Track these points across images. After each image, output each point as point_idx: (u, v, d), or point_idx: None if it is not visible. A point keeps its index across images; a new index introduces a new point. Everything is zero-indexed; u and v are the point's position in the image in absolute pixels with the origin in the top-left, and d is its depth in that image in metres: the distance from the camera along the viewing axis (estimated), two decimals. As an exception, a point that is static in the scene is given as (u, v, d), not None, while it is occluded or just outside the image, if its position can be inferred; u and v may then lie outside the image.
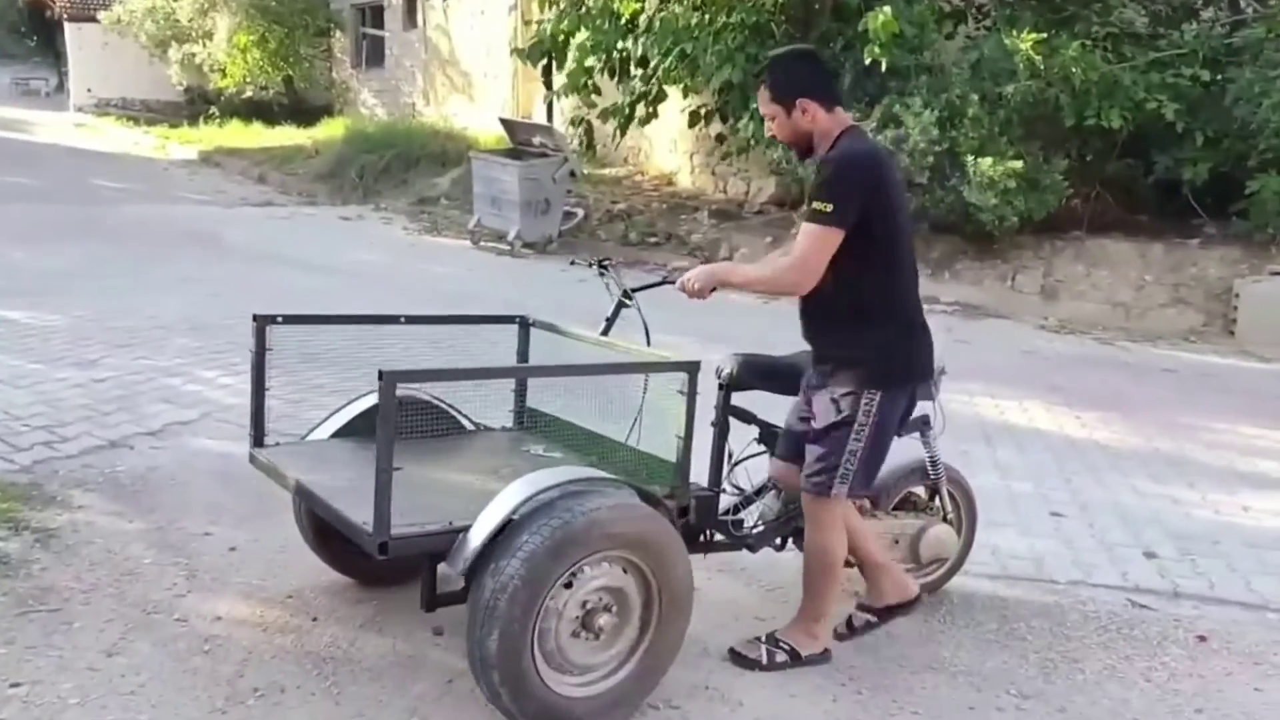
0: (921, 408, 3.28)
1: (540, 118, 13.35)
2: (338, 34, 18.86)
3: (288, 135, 16.08)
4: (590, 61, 9.95)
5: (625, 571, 2.58)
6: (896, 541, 3.29)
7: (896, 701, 2.86)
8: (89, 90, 20.18)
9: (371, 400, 2.96)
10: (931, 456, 3.37)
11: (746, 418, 3.25)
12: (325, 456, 2.97)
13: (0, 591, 3.02)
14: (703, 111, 10.43)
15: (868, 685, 2.93)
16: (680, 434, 2.73)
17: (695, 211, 10.85)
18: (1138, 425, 5.73)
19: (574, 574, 2.48)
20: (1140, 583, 3.77)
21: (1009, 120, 8.70)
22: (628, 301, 3.25)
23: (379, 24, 17.91)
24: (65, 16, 22.28)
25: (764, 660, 2.98)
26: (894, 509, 3.40)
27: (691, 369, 2.71)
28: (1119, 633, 3.38)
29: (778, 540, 3.25)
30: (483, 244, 10.32)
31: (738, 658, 3.00)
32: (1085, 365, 7.19)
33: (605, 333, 3.21)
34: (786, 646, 3.00)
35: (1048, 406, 5.97)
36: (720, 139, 10.63)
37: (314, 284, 7.98)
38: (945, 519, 3.39)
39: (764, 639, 3.03)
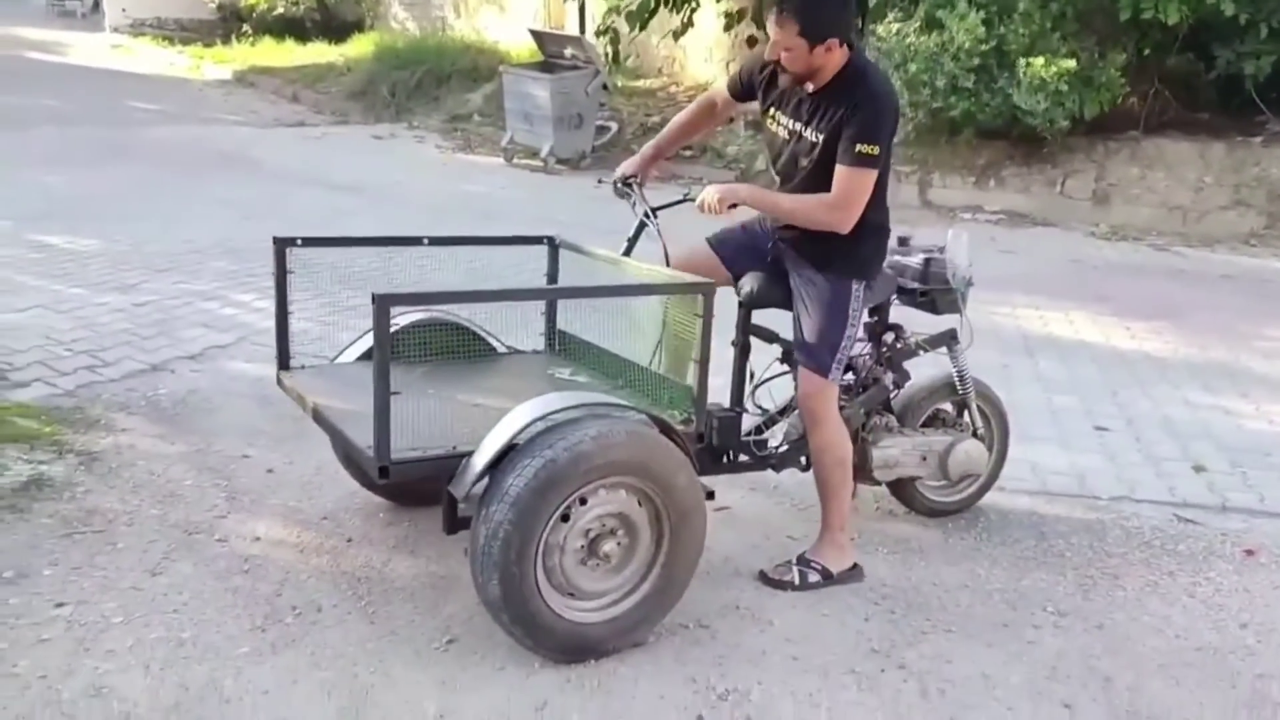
0: (948, 321, 3.23)
1: (572, 28, 13.06)
2: (367, -54, 18.51)
3: (320, 52, 15.88)
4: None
5: (628, 495, 2.53)
6: (924, 458, 3.24)
7: (930, 620, 2.84)
8: (124, 10, 20.00)
9: (402, 322, 2.97)
10: (959, 371, 3.32)
11: (769, 336, 3.20)
12: (347, 380, 2.96)
13: (46, 514, 3.08)
14: (735, 12, 10.13)
15: (900, 604, 2.92)
16: (696, 358, 2.68)
17: (731, 122, 10.61)
18: (1190, 335, 5.59)
19: (569, 507, 2.45)
20: (1188, 497, 3.71)
21: (1062, 15, 8.33)
22: (650, 220, 3.16)
23: (408, -65, 17.53)
24: (96, -66, 22.10)
25: (796, 581, 2.98)
26: (922, 425, 3.34)
27: (707, 290, 2.64)
28: (1162, 548, 3.33)
29: (802, 460, 3.21)
30: (516, 161, 10.19)
31: (770, 581, 3.00)
32: (1137, 274, 7.01)
33: (628, 253, 3.13)
34: (818, 566, 3.00)
35: (1095, 317, 5.84)
36: (751, 42, 10.33)
37: (347, 204, 7.95)
38: (975, 434, 3.33)
39: (795, 561, 3.02)
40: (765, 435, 3.20)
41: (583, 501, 2.48)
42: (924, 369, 3.41)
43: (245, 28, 18.06)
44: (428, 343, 3.09)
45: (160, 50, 18.11)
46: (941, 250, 3.27)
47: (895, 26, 8.36)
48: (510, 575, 2.38)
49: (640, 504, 2.56)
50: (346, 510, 3.26)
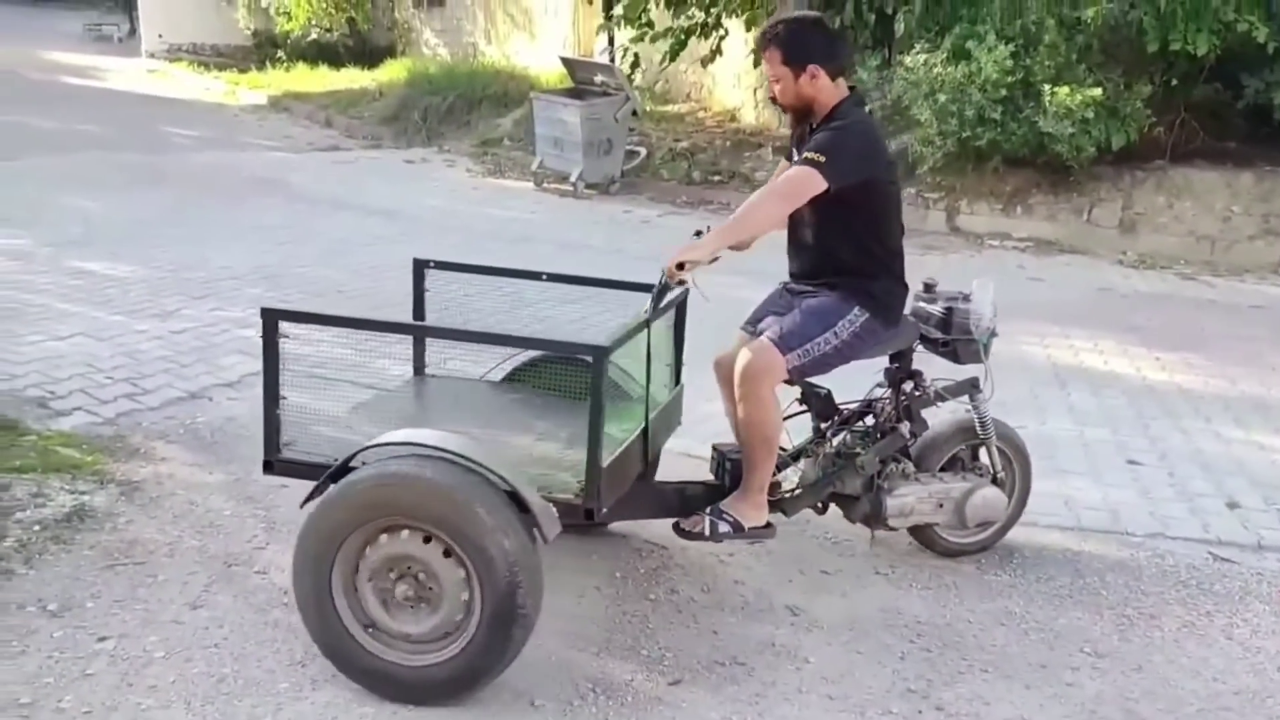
0: (968, 370, 3.24)
1: (601, 55, 13.17)
2: (398, -27, 18.77)
3: (352, 78, 16.09)
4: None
5: (426, 544, 2.42)
6: (941, 505, 3.20)
7: (966, 659, 2.84)
8: (160, 36, 20.35)
9: (527, 356, 3.11)
10: (981, 418, 3.29)
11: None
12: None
13: (88, 545, 3.13)
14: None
15: (936, 642, 2.91)
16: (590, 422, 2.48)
17: (759, 148, 10.65)
18: (1222, 366, 5.54)
19: (360, 542, 2.45)
20: (1222, 535, 3.68)
21: (1088, 46, 8.33)
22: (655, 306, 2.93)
23: (439, -38, 17.76)
24: (133, -39, 22.50)
25: (707, 531, 2.98)
26: (940, 469, 3.32)
27: (598, 354, 2.47)
28: (1199, 588, 3.31)
29: (818, 504, 3.21)
30: (546, 185, 10.27)
31: (682, 533, 3.03)
32: (1166, 303, 6.97)
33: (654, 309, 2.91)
34: (730, 518, 2.99)
35: (1124, 347, 5.80)
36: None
37: (381, 229, 8.04)
38: (995, 480, 3.31)
39: (709, 511, 3.00)
40: (778, 478, 3.16)
41: (374, 539, 2.45)
42: (943, 412, 3.40)
43: (280, 54, 18.32)
44: (558, 378, 3.03)
45: (196, 76, 18.41)
46: (966, 299, 3.24)
47: (922, 58, 8.39)
48: (308, 599, 2.48)
49: (447, 555, 2.42)
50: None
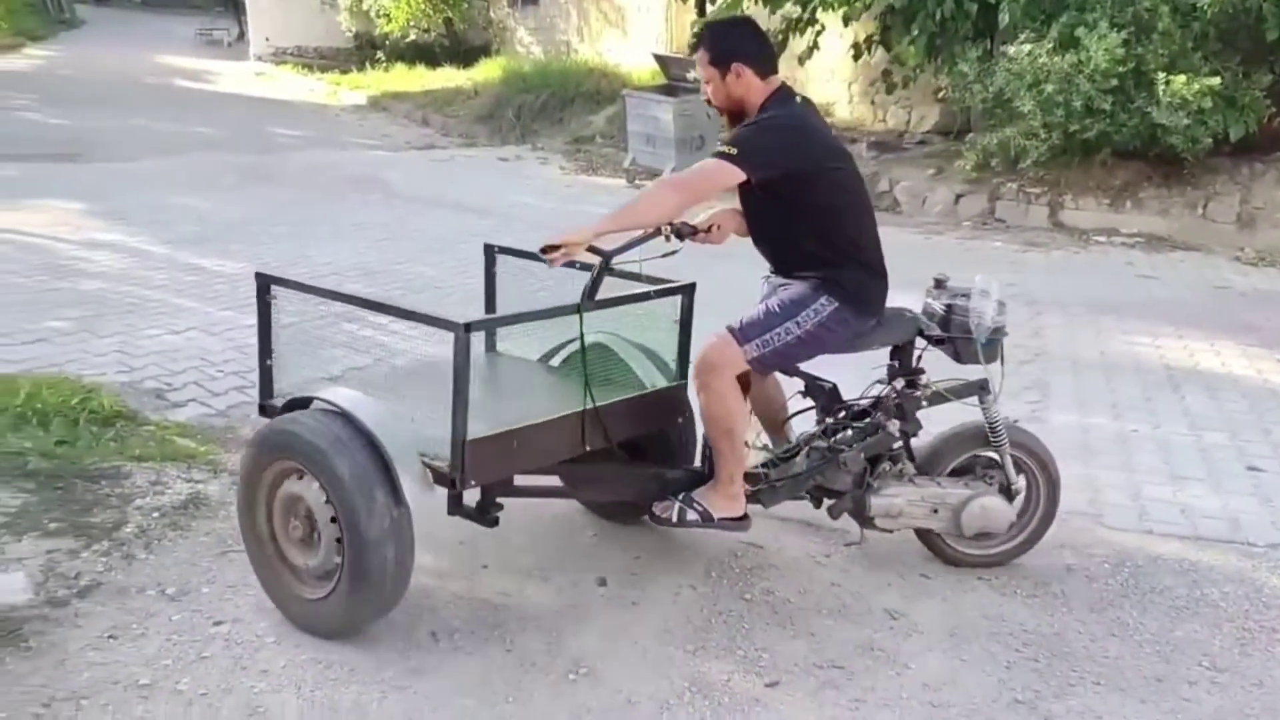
0: (977, 371, 3.11)
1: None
2: (494, -27, 19.02)
3: (448, 77, 16.38)
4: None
5: (318, 489, 2.62)
6: (936, 510, 3.08)
7: (1076, 670, 2.75)
8: (267, 39, 21.02)
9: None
10: (991, 422, 3.13)
11: (791, 369, 3.13)
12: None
13: (203, 532, 3.24)
14: (864, 39, 10.02)
15: (1044, 652, 2.83)
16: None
17: (853, 143, 10.48)
18: (1347, 369, 5.27)
19: (271, 482, 2.74)
20: (1348, 546, 3.49)
21: (1204, 34, 7.98)
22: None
23: (535, -39, 17.94)
24: (243, -32, 23.31)
25: (674, 518, 2.99)
26: (954, 474, 3.18)
27: (458, 331, 2.50)
28: (1324, 601, 3.15)
29: (807, 497, 3.16)
30: (638, 182, 10.28)
31: (653, 517, 3.06)
32: (1286, 302, 6.65)
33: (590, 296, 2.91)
34: (699, 507, 2.99)
35: (1243, 348, 5.56)
36: (887, 74, 10.22)
37: (476, 226, 8.14)
38: (1007, 489, 3.15)
39: (680, 498, 3.01)
40: (760, 469, 3.12)
41: (285, 480, 2.70)
42: (952, 418, 3.27)
43: (379, 55, 18.75)
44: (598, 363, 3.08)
45: (300, 77, 18.95)
46: (967, 296, 3.10)
47: (1027, 47, 8.15)
48: (244, 527, 2.82)
49: (327, 501, 2.60)
50: (482, 536, 3.31)
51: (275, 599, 2.80)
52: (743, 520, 3.04)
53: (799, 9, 9.88)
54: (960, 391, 3.13)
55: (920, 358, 3.15)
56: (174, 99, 15.65)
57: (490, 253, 3.40)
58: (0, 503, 3.21)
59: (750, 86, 2.93)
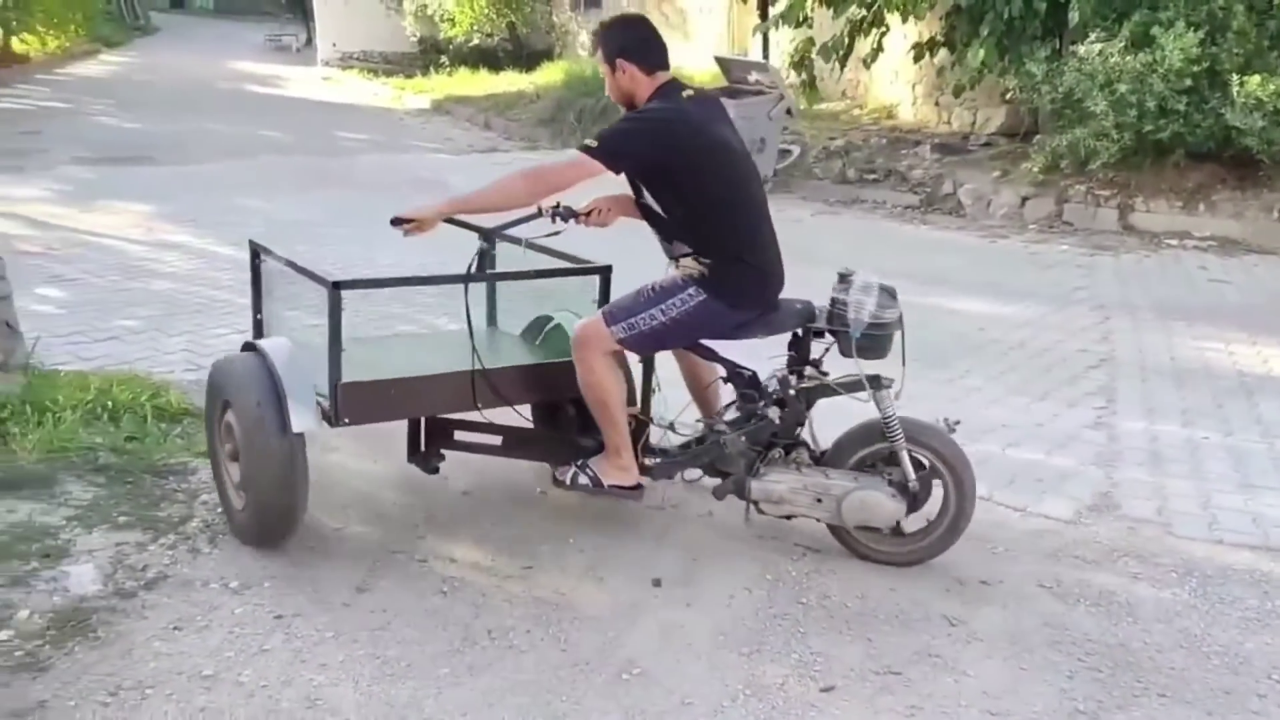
0: (876, 366, 3.13)
1: (756, 52, 13.09)
2: (556, -23, 19.17)
3: (511, 81, 16.52)
4: (808, -9, 9.63)
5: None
6: (819, 500, 3.13)
7: (1141, 681, 2.68)
8: (334, 45, 21.41)
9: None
10: (886, 418, 3.11)
11: (710, 355, 3.25)
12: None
13: (265, 528, 3.29)
14: (926, 41, 9.90)
15: (1107, 662, 2.76)
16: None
17: (917, 145, 10.38)
18: None
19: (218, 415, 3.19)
20: None
21: (1279, 33, 7.78)
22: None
23: (597, -35, 18.03)
24: (312, -26, 23.82)
25: (568, 481, 3.22)
26: (854, 467, 3.18)
27: (332, 289, 2.92)
28: (1405, 617, 3.03)
29: (682, 475, 3.35)
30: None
31: (555, 480, 3.29)
32: (1368, 308, 6.42)
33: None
34: (591, 473, 3.19)
35: (1321, 355, 5.38)
36: (950, 74, 10.07)
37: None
38: (904, 485, 3.11)
39: (577, 464, 3.23)
40: (660, 443, 3.32)
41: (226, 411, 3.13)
42: (856, 414, 3.22)
43: (443, 59, 18.98)
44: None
45: (365, 82, 19.25)
46: (848, 292, 3.09)
47: (1098, 47, 7.99)
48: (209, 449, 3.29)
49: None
50: (537, 535, 3.35)
51: (225, 511, 3.26)
52: (633, 490, 3.20)
53: (863, 10, 9.79)
54: (848, 385, 3.15)
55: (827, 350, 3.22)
56: (244, 103, 16.00)
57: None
58: (72, 496, 3.30)
59: (636, 81, 3.08)
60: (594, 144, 2.95)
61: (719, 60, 11.19)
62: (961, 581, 3.16)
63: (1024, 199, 8.78)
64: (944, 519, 3.18)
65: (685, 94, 3.09)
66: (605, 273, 3.35)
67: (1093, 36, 8.17)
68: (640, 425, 3.28)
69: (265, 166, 10.47)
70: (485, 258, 3.35)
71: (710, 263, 3.06)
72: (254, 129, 13.08)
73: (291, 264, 3.27)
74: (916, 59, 10.12)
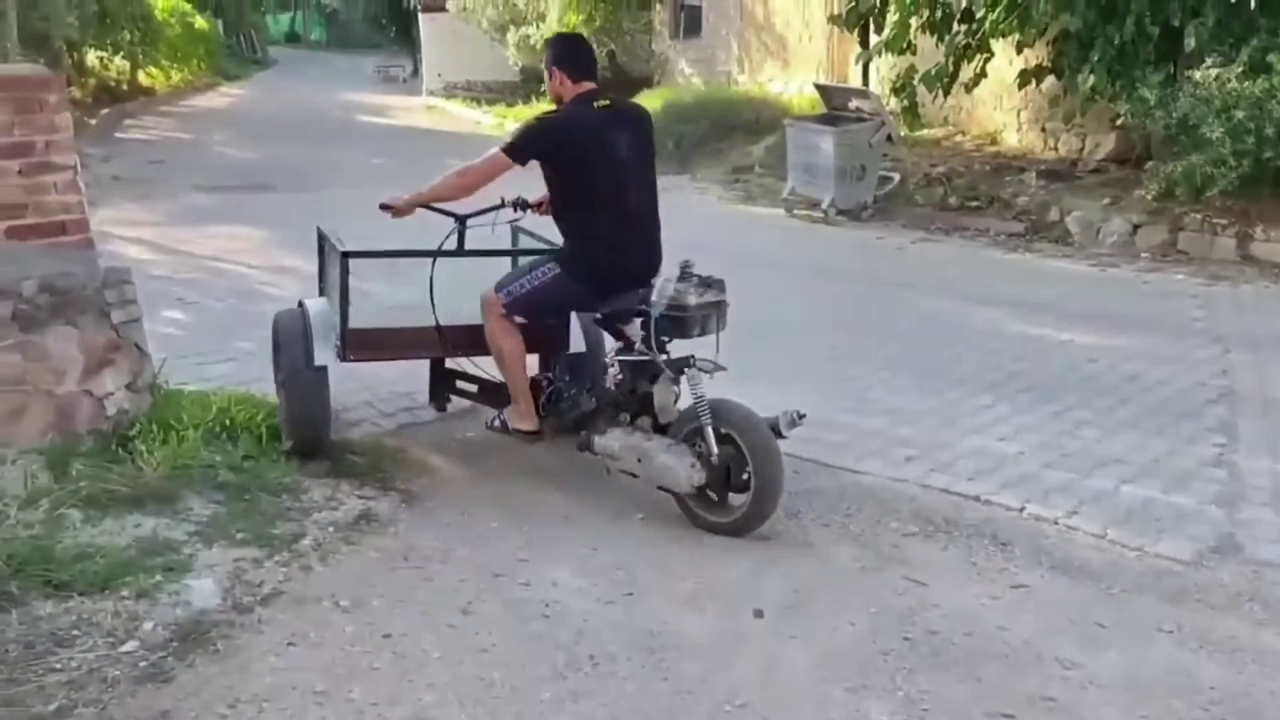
0: (690, 347, 3.57)
1: (856, 80, 13.03)
2: (657, 6, 19.36)
3: (609, 109, 16.74)
4: (911, 21, 9.52)
5: None
6: (640, 460, 3.57)
7: (1270, 733, 2.56)
8: (439, 75, 22.03)
9: None
10: (695, 398, 3.49)
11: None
12: None
13: (374, 547, 3.38)
14: (1033, 67, 9.70)
15: (1231, 711, 2.64)
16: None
17: (1021, 172, 10.15)
18: None
19: None
20: None
21: None
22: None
23: (696, -7, 18.18)
24: (419, 7, 24.63)
25: (488, 422, 4.11)
26: (684, 439, 3.54)
27: (339, 255, 3.92)
28: None
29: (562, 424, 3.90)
30: (796, 212, 10.23)
31: (488, 423, 4.11)
32: None
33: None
34: (503, 418, 4.00)
35: None
36: (1055, 101, 9.86)
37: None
38: (707, 458, 3.43)
39: (499, 411, 4.04)
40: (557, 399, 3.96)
41: None
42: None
43: (543, 87, 19.30)
44: None
45: (468, 110, 19.72)
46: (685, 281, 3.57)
47: (1214, 72, 7.73)
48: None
49: None
50: (639, 560, 3.36)
51: (283, 429, 4.00)
52: (533, 435, 3.93)
53: (967, 38, 9.65)
54: (674, 365, 3.58)
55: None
56: (354, 132, 16.54)
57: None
58: (194, 512, 3.43)
59: (564, 87, 3.76)
60: (507, 141, 3.71)
61: (819, 88, 11.18)
62: (1075, 622, 3.06)
63: (1136, 226, 8.51)
64: (749, 497, 3.47)
65: (598, 103, 3.76)
66: (556, 253, 3.89)
67: (1209, 62, 7.90)
68: (536, 385, 3.97)
69: (374, 193, 10.76)
70: (460, 237, 4.08)
71: (567, 244, 3.84)
72: (364, 156, 13.50)
73: (322, 236, 4.25)
74: (1022, 85, 9.92)
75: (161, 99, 21.20)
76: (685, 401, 3.61)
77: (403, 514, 3.65)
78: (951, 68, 9.68)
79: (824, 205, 9.84)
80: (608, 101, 3.81)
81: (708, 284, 3.59)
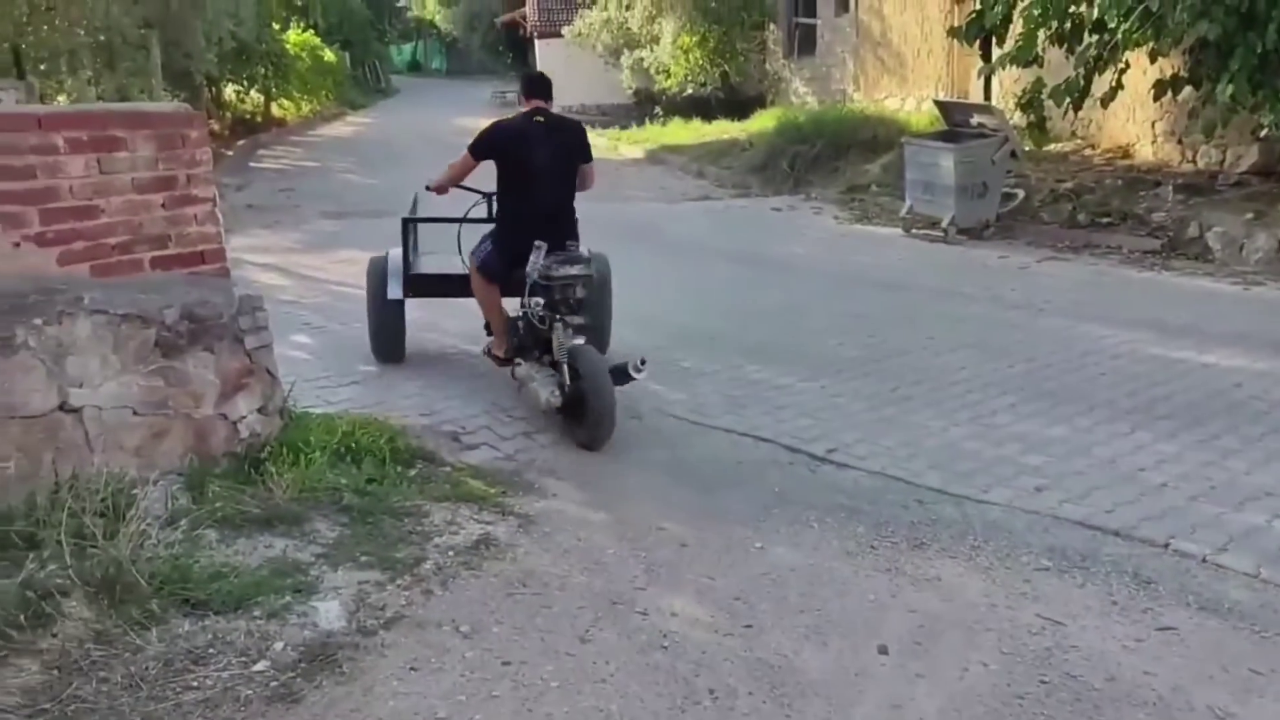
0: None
1: (976, 95, 12.71)
2: (771, 26, 19.31)
3: (722, 129, 16.72)
4: (1040, 35, 9.22)
5: None
6: (524, 385, 4.92)
7: None
8: (554, 99, 22.43)
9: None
10: (558, 343, 4.67)
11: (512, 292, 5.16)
12: None
13: (493, 573, 3.39)
14: (1169, 77, 9.28)
15: None
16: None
17: (1157, 186, 9.71)
18: None
19: None
20: None
21: None
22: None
23: (810, 12, 18.03)
24: (535, 34, 25.18)
25: (483, 349, 5.43)
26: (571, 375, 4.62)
27: (404, 221, 5.83)
28: None
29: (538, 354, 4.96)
30: (914, 231, 10.02)
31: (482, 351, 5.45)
32: None
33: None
34: (488, 345, 5.33)
35: None
36: (1193, 113, 9.40)
37: (748, 276, 8.22)
38: (560, 384, 4.65)
39: (488, 342, 5.34)
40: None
41: None
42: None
43: (656, 109, 19.45)
44: None
45: (582, 134, 19.93)
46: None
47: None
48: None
49: None
50: (758, 591, 3.30)
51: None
52: (505, 362, 5.18)
53: (1099, 49, 9.29)
54: (546, 320, 4.72)
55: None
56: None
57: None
58: (320, 534, 3.51)
59: (521, 104, 5.18)
60: (470, 144, 5.06)
61: (938, 104, 10.95)
62: (1227, 668, 2.87)
63: (1282, 242, 8.06)
64: (587, 421, 4.51)
65: (537, 118, 5.00)
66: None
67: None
68: (514, 322, 5.12)
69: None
70: (488, 206, 5.32)
71: (498, 222, 5.14)
72: (480, 181, 13.75)
73: (409, 219, 5.85)
74: (1157, 96, 9.50)
75: (292, 129, 22.10)
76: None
77: (521, 538, 3.66)
78: (1082, 81, 9.33)
79: (944, 224, 9.61)
80: (542, 118, 5.01)
81: (573, 260, 4.72)
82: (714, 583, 3.37)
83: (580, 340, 4.66)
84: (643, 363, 4.51)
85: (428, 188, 5.29)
